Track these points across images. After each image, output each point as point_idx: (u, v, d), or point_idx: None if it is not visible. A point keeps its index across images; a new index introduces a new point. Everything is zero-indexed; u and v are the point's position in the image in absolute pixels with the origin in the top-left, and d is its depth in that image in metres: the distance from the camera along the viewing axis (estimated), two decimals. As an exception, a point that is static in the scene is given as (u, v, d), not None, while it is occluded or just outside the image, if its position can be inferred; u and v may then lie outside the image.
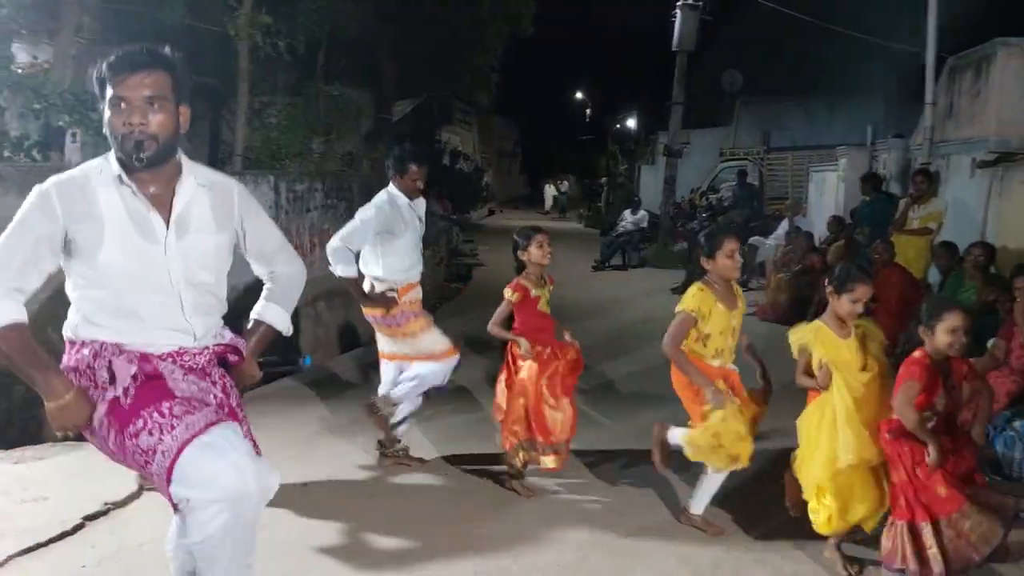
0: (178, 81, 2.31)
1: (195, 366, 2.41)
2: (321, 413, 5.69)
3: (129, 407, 2.25)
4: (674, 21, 16.23)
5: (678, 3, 15.96)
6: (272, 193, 7.00)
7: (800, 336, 3.47)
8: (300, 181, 7.46)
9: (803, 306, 9.27)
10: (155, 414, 2.23)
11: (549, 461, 4.13)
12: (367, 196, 4.70)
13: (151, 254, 2.32)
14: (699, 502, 3.80)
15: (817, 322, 3.48)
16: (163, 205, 2.35)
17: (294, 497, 3.91)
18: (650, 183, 23.21)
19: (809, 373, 3.43)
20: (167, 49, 2.34)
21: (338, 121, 9.85)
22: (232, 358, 2.55)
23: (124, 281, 2.31)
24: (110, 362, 2.30)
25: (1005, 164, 8.01)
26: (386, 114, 12.18)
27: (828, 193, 13.63)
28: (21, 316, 2.22)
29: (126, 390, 2.27)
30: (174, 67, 2.31)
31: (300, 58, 8.63)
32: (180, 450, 2.16)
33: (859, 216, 9.53)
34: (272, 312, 2.69)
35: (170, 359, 2.37)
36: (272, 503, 2.34)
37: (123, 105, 2.25)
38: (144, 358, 2.33)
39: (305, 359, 6.81)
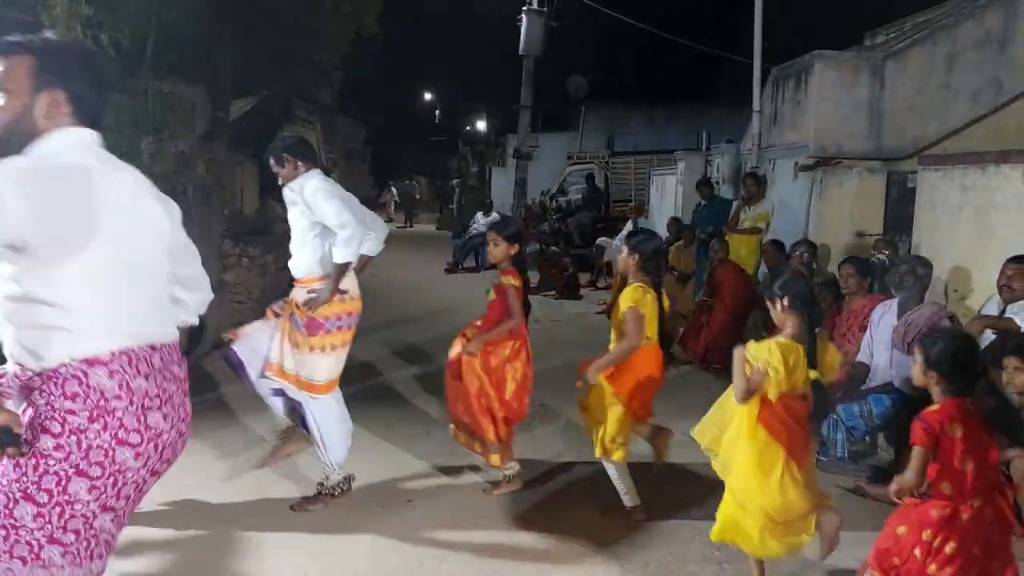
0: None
1: None
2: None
3: None
4: (520, 25, 16.44)
5: (524, 8, 16.18)
6: (96, 196, 6.48)
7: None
8: (128, 183, 6.92)
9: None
10: None
11: None
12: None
13: None
14: None
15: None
16: None
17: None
18: (502, 185, 23.48)
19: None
20: None
21: (170, 119, 9.21)
22: None
23: None
24: None
25: (823, 168, 8.62)
26: (223, 112, 11.55)
27: (668, 195, 14.22)
28: None
29: None
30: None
31: (125, 52, 8.00)
32: None
33: (699, 217, 9.99)
34: None
35: None
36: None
37: None
38: None
39: None
